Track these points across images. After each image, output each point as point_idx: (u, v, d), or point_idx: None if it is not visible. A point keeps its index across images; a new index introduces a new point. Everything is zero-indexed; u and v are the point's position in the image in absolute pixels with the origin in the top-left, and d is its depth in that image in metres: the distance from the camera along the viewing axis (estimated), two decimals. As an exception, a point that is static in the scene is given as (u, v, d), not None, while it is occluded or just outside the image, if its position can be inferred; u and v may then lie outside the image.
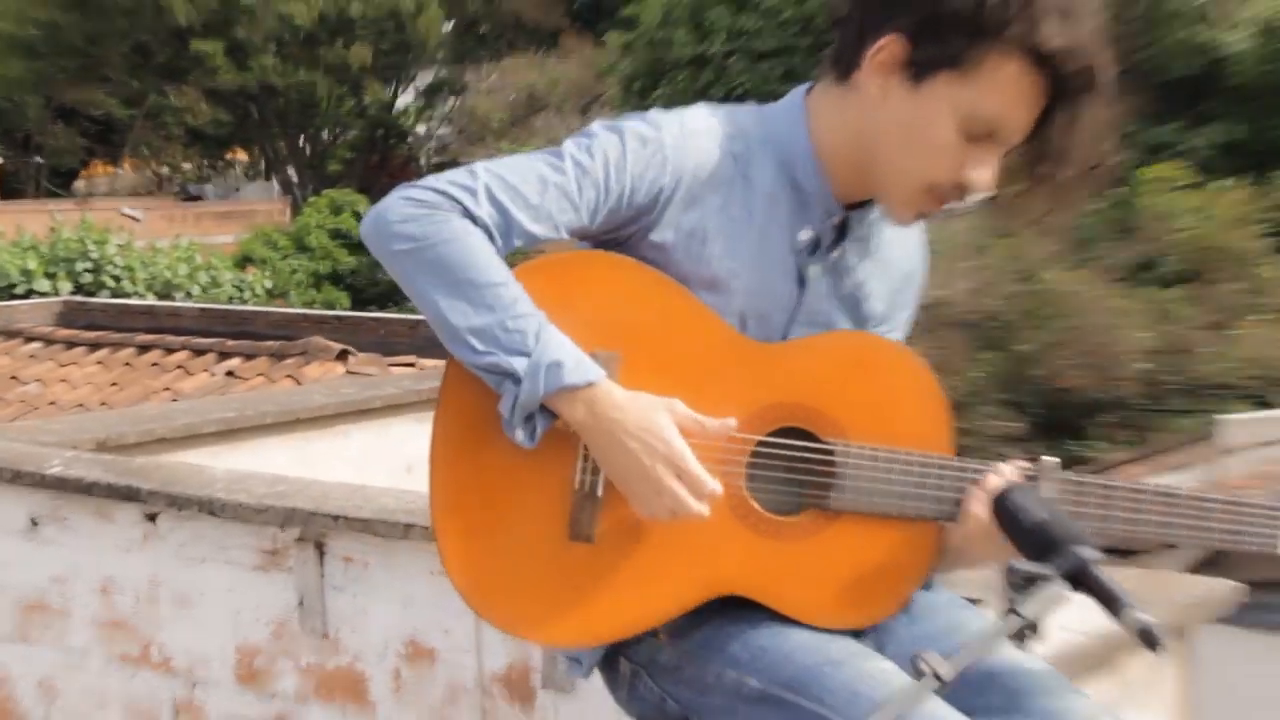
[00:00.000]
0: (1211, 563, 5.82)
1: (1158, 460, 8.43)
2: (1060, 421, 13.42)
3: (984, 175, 2.02)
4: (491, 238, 1.99)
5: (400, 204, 2.01)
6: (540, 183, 2.02)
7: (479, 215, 1.98)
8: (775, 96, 2.23)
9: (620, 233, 2.09)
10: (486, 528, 2.08)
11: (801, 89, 2.17)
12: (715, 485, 1.99)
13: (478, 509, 2.08)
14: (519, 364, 1.95)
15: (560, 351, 1.96)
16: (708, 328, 2.08)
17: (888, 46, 2.01)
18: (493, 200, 2.00)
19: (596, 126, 2.09)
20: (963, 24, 1.96)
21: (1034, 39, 1.94)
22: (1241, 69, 17.57)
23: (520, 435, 1.99)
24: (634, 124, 2.08)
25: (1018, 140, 2.02)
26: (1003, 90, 1.97)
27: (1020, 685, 2.07)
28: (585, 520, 2.06)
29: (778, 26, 20.76)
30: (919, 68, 2.00)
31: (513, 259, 2.03)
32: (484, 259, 1.97)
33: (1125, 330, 13.42)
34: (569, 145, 2.06)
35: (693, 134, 2.08)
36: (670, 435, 1.98)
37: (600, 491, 2.05)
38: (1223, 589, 3.14)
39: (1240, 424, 7.19)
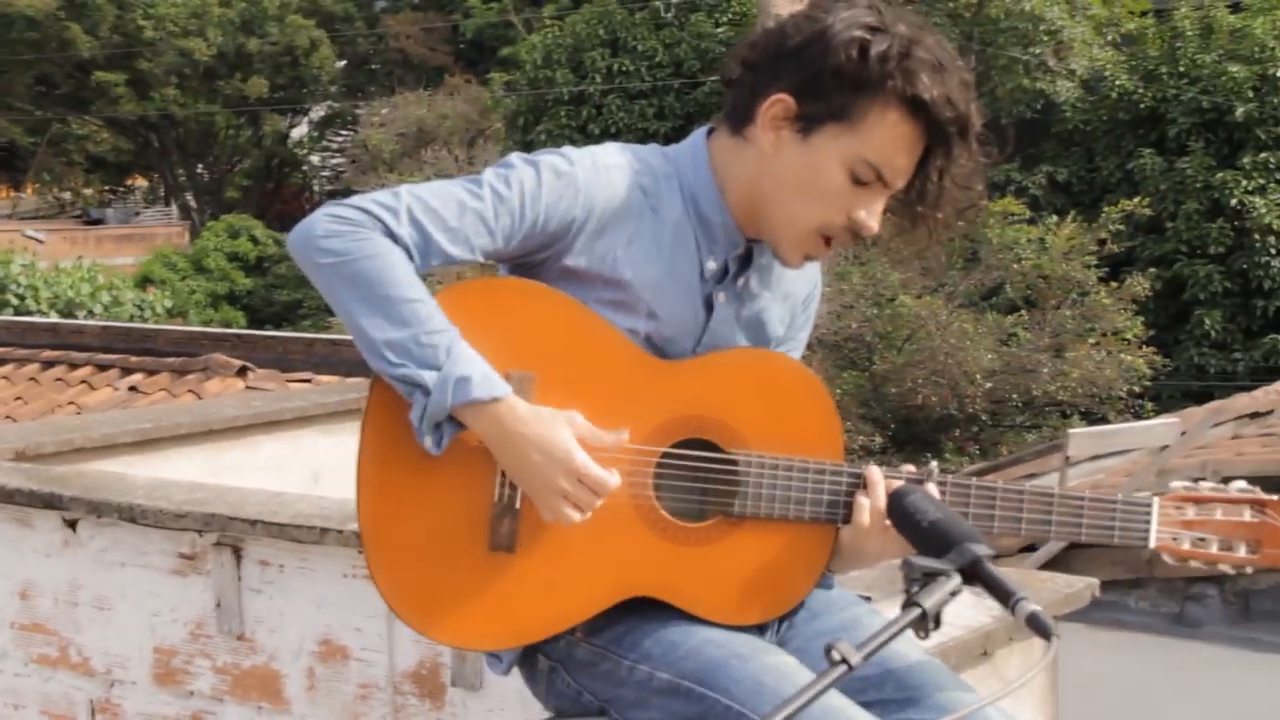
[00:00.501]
0: (1054, 563, 5.93)
1: (1009, 471, 8.59)
2: (915, 436, 13.63)
3: (870, 218, 2.07)
4: (411, 257, 2.00)
5: (326, 220, 2.00)
6: (459, 207, 2.02)
7: (400, 234, 1.99)
8: (649, 133, 2.27)
9: (534, 257, 2.10)
10: (412, 540, 2.07)
11: (702, 132, 2.21)
12: (613, 481, 2.01)
13: (403, 521, 2.07)
14: (429, 377, 1.95)
15: (469, 367, 1.96)
16: (616, 348, 2.09)
17: (778, 104, 2.06)
18: (413, 221, 2.00)
19: (515, 159, 2.10)
20: (845, 81, 2.01)
21: (911, 90, 2.00)
22: (1068, 116, 18.03)
23: (428, 443, 2.00)
24: (550, 158, 2.10)
25: (901, 183, 2.08)
26: (885, 138, 2.03)
27: (914, 680, 2.10)
28: (505, 531, 2.06)
29: (650, 69, 20.87)
30: (807, 121, 2.05)
31: (434, 286, 2.03)
32: (402, 276, 1.97)
33: (973, 352, 13.65)
34: (488, 174, 2.07)
35: (604, 169, 2.10)
36: (569, 444, 2.00)
37: (519, 504, 2.06)
38: (1079, 585, 3.18)
39: (1085, 437, 7.36)
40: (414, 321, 1.96)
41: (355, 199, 2.03)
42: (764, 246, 2.18)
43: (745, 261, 2.18)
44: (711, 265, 2.14)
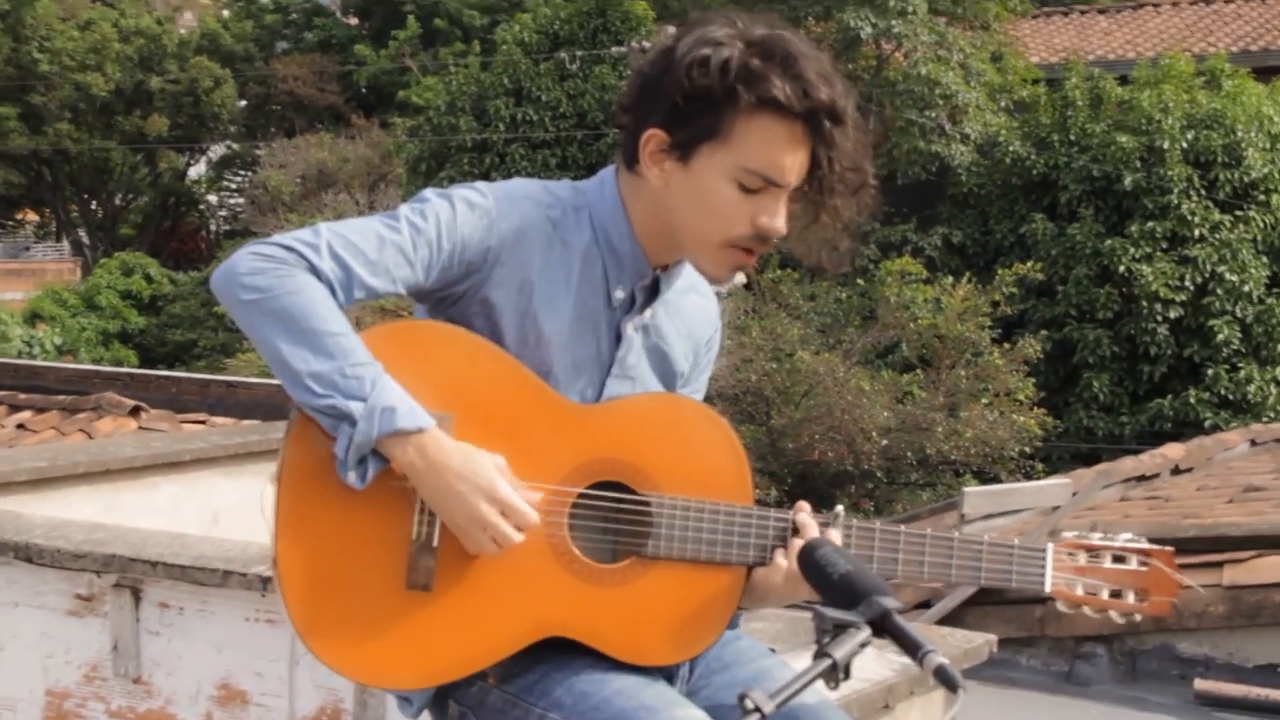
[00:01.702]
0: (949, 619, 6.01)
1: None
2: (811, 491, 13.70)
3: (775, 220, 2.13)
4: (334, 291, 2.03)
5: (248, 258, 2.02)
6: (379, 240, 2.06)
7: (322, 269, 2.01)
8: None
9: (454, 289, 2.13)
10: (328, 576, 2.07)
11: (611, 169, 2.27)
12: (534, 516, 2.04)
13: (320, 558, 2.07)
14: (355, 407, 1.97)
15: (394, 398, 1.99)
16: (532, 390, 2.13)
17: (652, 138, 2.12)
18: (334, 256, 2.03)
19: (429, 193, 2.15)
20: (702, 101, 2.08)
21: (762, 92, 2.06)
22: (963, 180, 18.37)
23: (352, 477, 2.01)
24: (463, 191, 2.15)
25: (795, 181, 2.13)
26: (759, 143, 2.09)
27: (794, 711, 2.12)
28: (422, 569, 2.07)
29: (554, 119, 20.98)
30: (683, 149, 2.12)
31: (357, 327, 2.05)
32: (325, 310, 2.00)
33: (869, 409, 13.80)
34: (404, 209, 2.12)
35: (515, 199, 2.15)
36: (493, 475, 2.03)
37: (436, 542, 2.07)
38: (979, 641, 3.24)
39: (980, 495, 7.49)
40: (339, 354, 1.98)
41: (277, 237, 2.06)
42: (670, 277, 2.24)
43: (652, 293, 2.23)
44: (619, 294, 2.19)
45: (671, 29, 2.23)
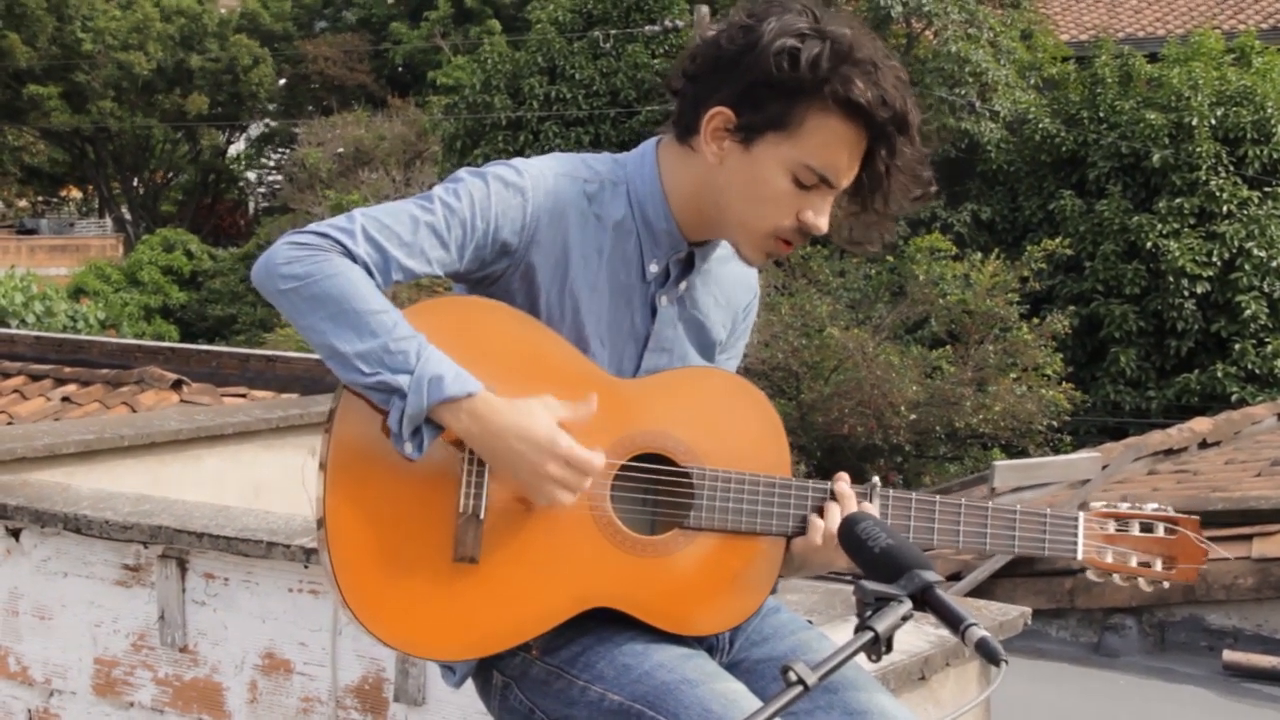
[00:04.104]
0: (978, 592, 5.99)
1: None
2: (840, 465, 13.64)
3: (819, 218, 2.10)
4: (371, 274, 2.01)
5: (286, 248, 2.01)
6: (413, 222, 2.04)
7: (358, 253, 2.00)
8: None
9: (491, 269, 2.11)
10: (377, 549, 2.06)
11: (653, 141, 2.23)
12: (598, 460, 2.02)
13: (369, 532, 2.06)
14: (403, 380, 1.96)
15: (441, 366, 1.98)
16: (573, 365, 2.11)
17: (718, 116, 2.08)
18: (369, 239, 2.01)
19: (463, 173, 2.13)
20: (781, 90, 2.03)
21: (846, 94, 2.02)
22: (992, 157, 18.26)
23: (409, 448, 1.99)
24: (498, 169, 2.12)
25: (846, 184, 2.10)
26: (825, 143, 2.05)
27: (834, 681, 2.11)
28: (469, 542, 2.06)
29: (587, 97, 20.94)
30: (748, 132, 2.07)
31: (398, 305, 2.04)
32: (365, 290, 1.98)
33: (898, 384, 13.74)
34: (438, 190, 2.10)
35: (551, 176, 2.13)
36: (551, 428, 2.01)
37: (483, 515, 2.05)
38: (1014, 614, 3.22)
39: (1010, 469, 7.45)
40: (381, 331, 1.97)
41: (312, 225, 2.04)
42: (706, 252, 2.21)
43: (688, 266, 2.20)
44: (654, 268, 2.17)
45: (745, 4, 2.17)
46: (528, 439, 1.99)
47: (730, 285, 2.29)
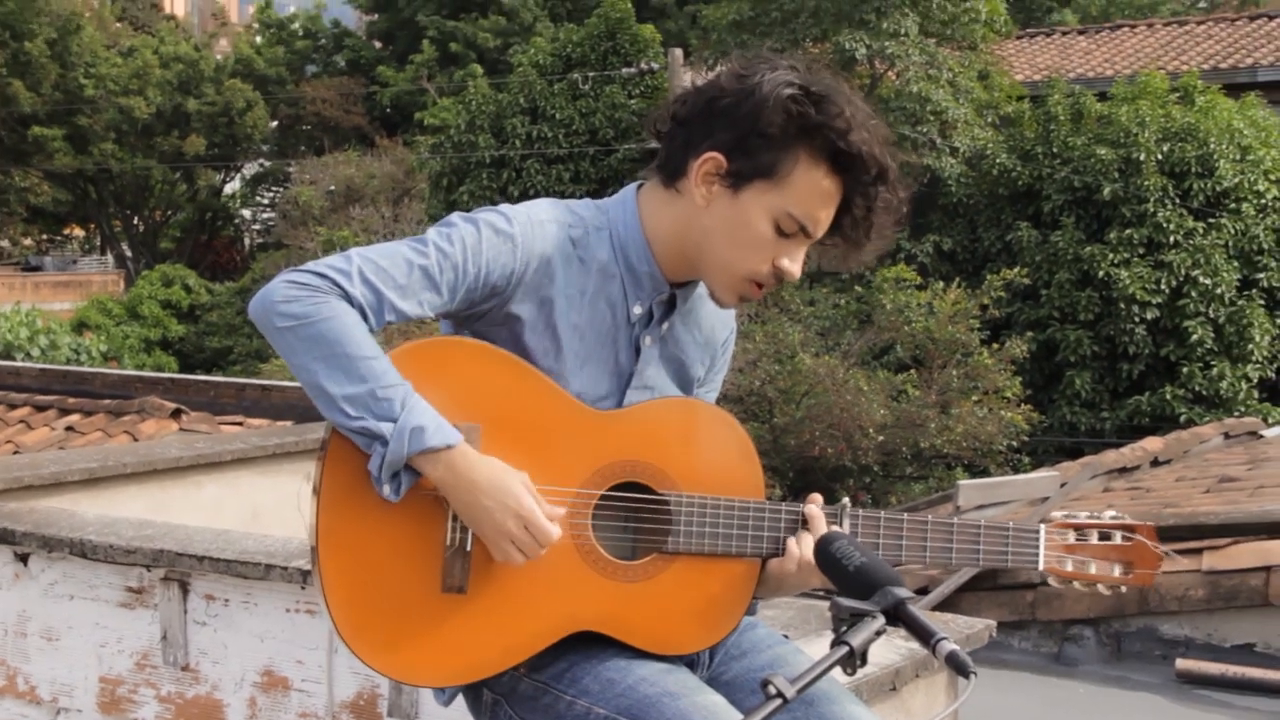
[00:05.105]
0: (944, 605, 5.99)
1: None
2: (811, 485, 13.68)
3: (794, 265, 2.12)
4: (365, 316, 2.01)
5: (284, 286, 2.00)
6: (407, 265, 2.04)
7: (354, 295, 2.00)
8: (565, 195, 2.31)
9: (479, 308, 2.11)
10: (368, 583, 2.06)
11: (633, 186, 2.23)
12: (555, 532, 2.03)
13: (360, 566, 2.06)
14: (386, 428, 1.96)
15: (423, 417, 1.98)
16: (555, 400, 2.12)
17: (710, 161, 2.09)
18: (365, 281, 2.01)
19: (456, 218, 2.13)
20: (773, 140, 2.04)
21: (836, 148, 2.04)
22: (952, 190, 18.34)
23: (387, 490, 2.00)
24: (489, 215, 2.12)
25: (822, 233, 2.11)
26: (808, 193, 2.07)
27: (811, 693, 2.11)
28: (457, 573, 2.06)
29: (567, 136, 20.96)
30: (737, 178, 2.08)
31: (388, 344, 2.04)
32: (358, 335, 1.98)
33: (866, 407, 13.76)
34: (432, 233, 2.10)
35: (539, 223, 2.13)
36: (519, 492, 2.01)
37: (470, 547, 2.06)
38: (979, 626, 3.22)
39: (973, 487, 7.47)
40: (370, 377, 1.97)
41: (310, 264, 2.04)
42: (686, 293, 2.22)
43: (670, 307, 2.21)
44: (637, 310, 2.17)
45: (736, 56, 2.17)
46: (495, 497, 2.00)
47: (709, 323, 2.30)
